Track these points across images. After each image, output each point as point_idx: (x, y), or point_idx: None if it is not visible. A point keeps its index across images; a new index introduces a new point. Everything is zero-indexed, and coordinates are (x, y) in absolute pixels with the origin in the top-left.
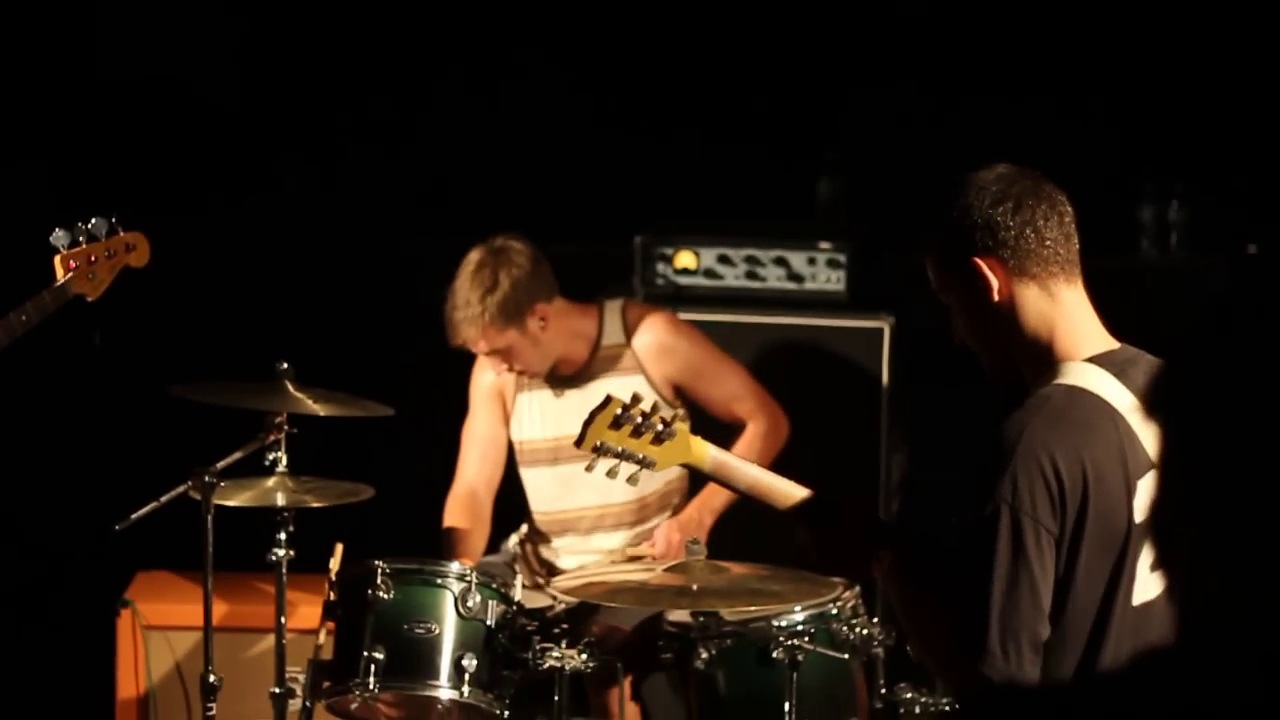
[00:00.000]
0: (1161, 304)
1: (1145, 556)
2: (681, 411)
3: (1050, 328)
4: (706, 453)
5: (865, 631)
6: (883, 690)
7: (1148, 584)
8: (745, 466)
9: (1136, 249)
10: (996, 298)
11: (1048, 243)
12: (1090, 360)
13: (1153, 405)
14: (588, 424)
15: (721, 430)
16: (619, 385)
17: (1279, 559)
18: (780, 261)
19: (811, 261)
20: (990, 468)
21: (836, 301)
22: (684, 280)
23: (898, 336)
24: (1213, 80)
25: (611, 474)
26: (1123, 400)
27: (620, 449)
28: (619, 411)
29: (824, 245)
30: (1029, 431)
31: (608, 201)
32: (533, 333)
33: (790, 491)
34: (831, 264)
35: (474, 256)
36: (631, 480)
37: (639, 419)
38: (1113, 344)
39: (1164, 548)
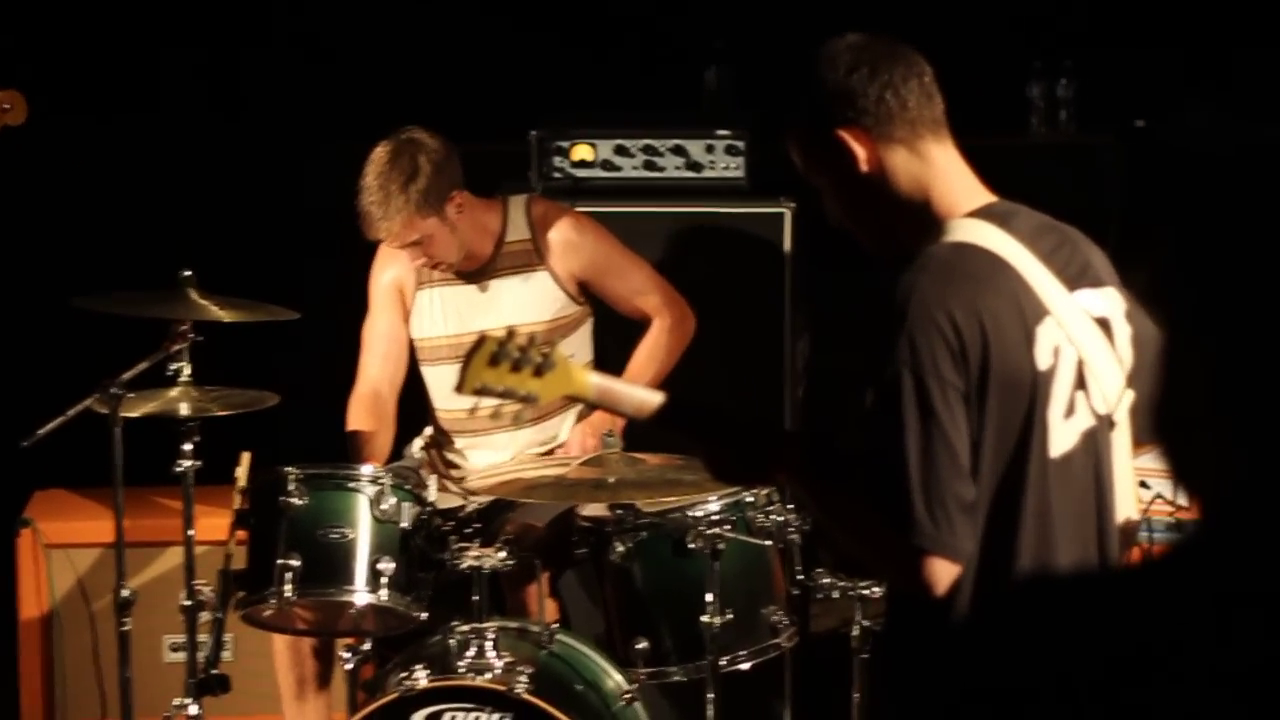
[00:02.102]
0: (1052, 181)
1: (1056, 405)
2: (561, 342)
3: (925, 190)
4: (589, 381)
5: (780, 518)
6: (799, 576)
7: (1063, 434)
8: (630, 390)
9: (1026, 127)
10: (866, 168)
11: (909, 104)
12: (969, 215)
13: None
14: (465, 366)
15: (628, 326)
16: (523, 281)
17: None
18: (678, 150)
19: (710, 149)
20: (884, 335)
21: (737, 188)
22: (581, 173)
23: (799, 221)
24: None
25: (496, 416)
26: (1010, 249)
27: (502, 388)
28: (495, 349)
29: (721, 132)
30: (919, 290)
31: (499, 98)
32: (451, 220)
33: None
34: (730, 151)
35: (385, 148)
36: (517, 419)
37: (517, 354)
38: (990, 198)
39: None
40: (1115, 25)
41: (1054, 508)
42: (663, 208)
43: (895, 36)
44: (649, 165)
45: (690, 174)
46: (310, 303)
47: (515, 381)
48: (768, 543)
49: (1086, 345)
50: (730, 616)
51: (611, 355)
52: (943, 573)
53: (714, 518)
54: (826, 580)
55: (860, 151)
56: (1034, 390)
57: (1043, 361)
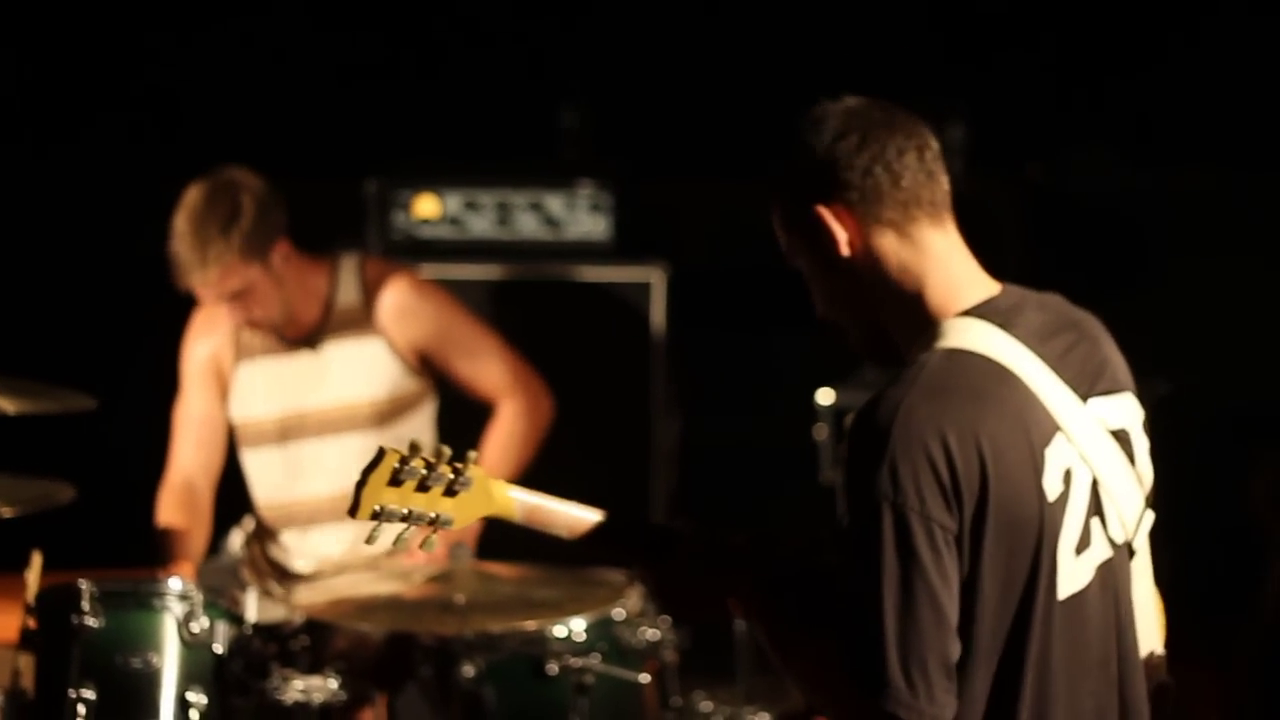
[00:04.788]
0: None
1: (1067, 539)
2: (474, 454)
3: (918, 281)
4: (512, 499)
5: (655, 635)
6: (676, 700)
7: (1074, 572)
8: (565, 508)
9: None
10: (848, 252)
11: (902, 181)
12: (968, 313)
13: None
14: (360, 485)
15: (475, 410)
16: (356, 351)
17: None
18: (535, 206)
19: (570, 205)
20: (858, 462)
21: (601, 249)
22: (426, 231)
23: (673, 286)
24: None
25: (399, 544)
26: (1013, 356)
27: (406, 510)
28: (397, 465)
29: (584, 185)
30: (905, 410)
31: (330, 139)
32: (277, 270)
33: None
34: (594, 207)
35: (201, 188)
36: (425, 545)
37: (424, 470)
38: (993, 288)
39: None
40: (1010, 63)
41: (1059, 656)
42: (516, 271)
43: (889, 102)
44: (502, 222)
45: (548, 233)
46: (110, 382)
47: (423, 503)
48: (643, 678)
49: (1103, 465)
50: None
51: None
52: None
53: (577, 641)
54: (705, 704)
55: (840, 233)
56: (1041, 526)
57: (1052, 490)
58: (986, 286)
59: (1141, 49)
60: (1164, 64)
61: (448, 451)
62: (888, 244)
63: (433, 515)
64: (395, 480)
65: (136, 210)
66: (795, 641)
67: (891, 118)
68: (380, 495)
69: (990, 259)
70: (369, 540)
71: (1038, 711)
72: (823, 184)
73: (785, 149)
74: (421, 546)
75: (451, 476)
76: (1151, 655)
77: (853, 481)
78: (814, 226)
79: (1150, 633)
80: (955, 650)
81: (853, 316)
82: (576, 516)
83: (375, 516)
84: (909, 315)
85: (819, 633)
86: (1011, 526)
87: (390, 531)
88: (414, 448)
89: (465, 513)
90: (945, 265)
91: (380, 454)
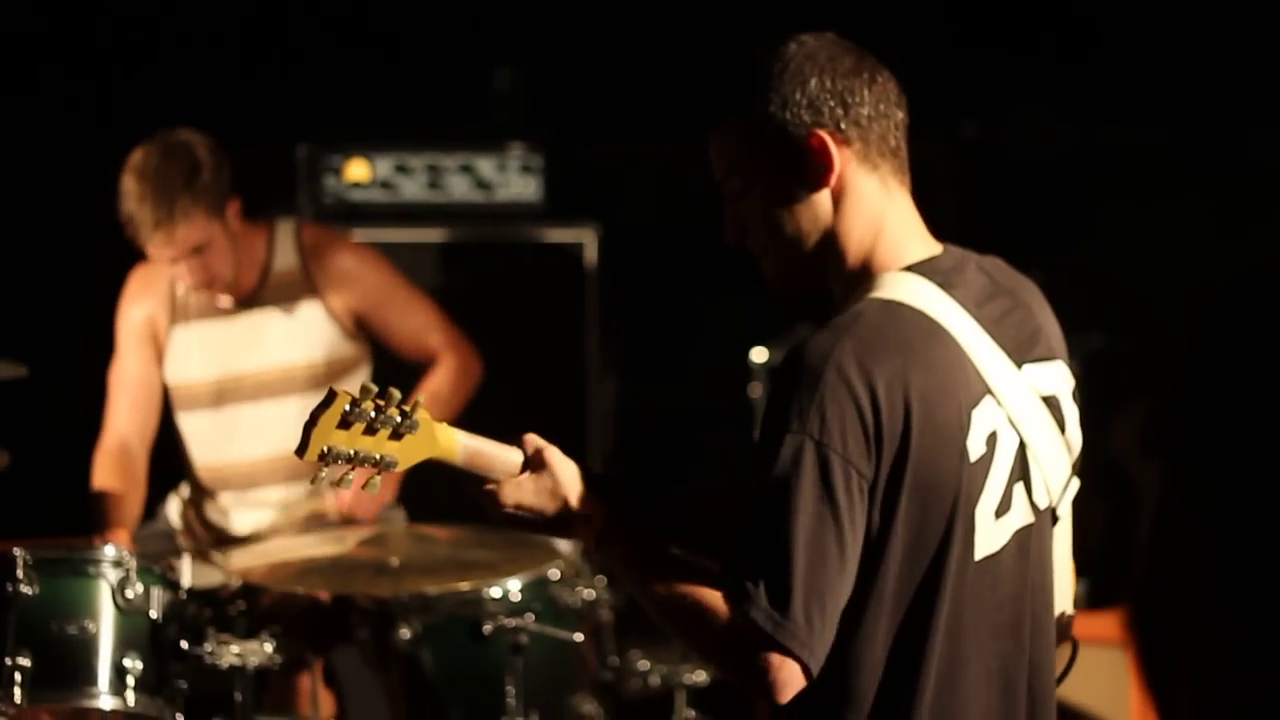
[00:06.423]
0: None
1: (987, 502)
2: (422, 398)
3: (877, 229)
4: (456, 442)
5: (591, 595)
6: (613, 659)
7: (992, 534)
8: (504, 451)
9: None
10: (832, 183)
11: (894, 133)
12: (910, 269)
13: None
14: (310, 426)
15: (408, 373)
16: (292, 315)
17: None
18: (466, 169)
19: (502, 167)
20: (787, 397)
21: (532, 210)
22: (356, 195)
23: (604, 246)
24: None
25: (342, 483)
26: (949, 314)
27: (352, 451)
28: (347, 407)
29: (515, 147)
30: (839, 353)
31: (260, 106)
32: (233, 228)
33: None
34: (525, 169)
35: (154, 149)
36: (369, 486)
37: (372, 413)
38: (935, 249)
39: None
40: (945, 20)
41: (970, 618)
42: (449, 233)
43: None
44: (433, 185)
45: (480, 195)
46: (41, 349)
47: (369, 445)
48: (577, 637)
49: (1031, 430)
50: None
51: None
52: (795, 681)
53: (513, 602)
54: (643, 664)
55: (836, 163)
56: (960, 486)
57: (975, 452)
58: (929, 246)
59: (1077, 4)
60: (1099, 19)
61: (397, 394)
62: (869, 186)
63: (378, 457)
64: (344, 422)
65: (68, 176)
66: (654, 570)
67: (885, 71)
68: (329, 436)
69: (926, 218)
70: (313, 481)
71: (947, 671)
72: (833, 113)
73: (781, 72)
74: (364, 488)
75: (399, 419)
76: (1061, 616)
77: (777, 416)
78: (803, 152)
79: (1062, 593)
80: (845, 597)
81: (790, 249)
82: (516, 461)
83: (322, 457)
84: (854, 259)
85: (680, 566)
86: (928, 483)
87: (334, 473)
88: (365, 390)
89: (409, 455)
90: (901, 219)
91: (331, 395)
